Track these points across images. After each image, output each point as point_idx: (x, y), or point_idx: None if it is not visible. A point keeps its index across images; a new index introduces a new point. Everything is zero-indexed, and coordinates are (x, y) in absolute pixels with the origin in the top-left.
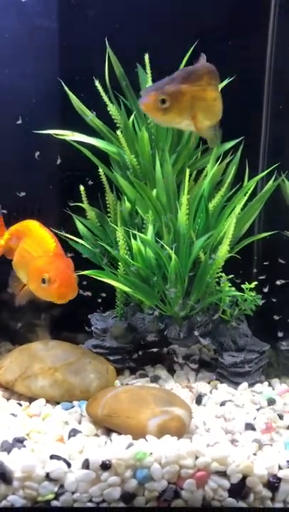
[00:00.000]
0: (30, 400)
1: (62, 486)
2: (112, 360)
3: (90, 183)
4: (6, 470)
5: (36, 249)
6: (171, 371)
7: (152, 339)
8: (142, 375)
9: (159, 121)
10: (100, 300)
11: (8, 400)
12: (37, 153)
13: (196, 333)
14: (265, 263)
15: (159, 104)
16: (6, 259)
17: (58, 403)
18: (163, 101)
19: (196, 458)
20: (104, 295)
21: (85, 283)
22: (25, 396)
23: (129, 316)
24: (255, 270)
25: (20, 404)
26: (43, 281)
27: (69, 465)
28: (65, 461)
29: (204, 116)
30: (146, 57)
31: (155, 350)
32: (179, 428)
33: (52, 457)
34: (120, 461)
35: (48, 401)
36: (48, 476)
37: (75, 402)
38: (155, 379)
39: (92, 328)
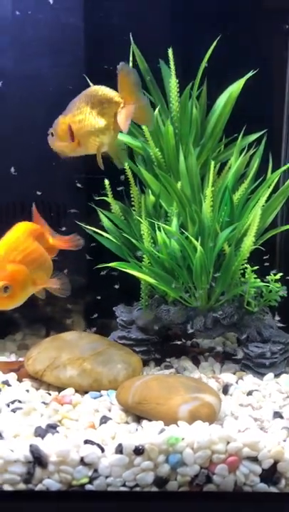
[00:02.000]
0: (59, 389)
1: (96, 471)
2: (138, 352)
3: (121, 178)
4: (42, 454)
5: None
6: (196, 362)
7: (177, 331)
8: (167, 366)
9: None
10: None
11: (37, 389)
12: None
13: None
14: None
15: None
16: None
17: (86, 392)
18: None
19: (228, 443)
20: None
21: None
22: (54, 386)
23: (154, 308)
24: (278, 262)
25: (50, 394)
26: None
27: (102, 450)
28: (98, 446)
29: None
30: (170, 51)
31: (179, 342)
32: (209, 414)
33: (86, 442)
34: (153, 446)
35: (76, 390)
36: (82, 461)
37: (103, 392)
38: (180, 370)
39: (118, 320)
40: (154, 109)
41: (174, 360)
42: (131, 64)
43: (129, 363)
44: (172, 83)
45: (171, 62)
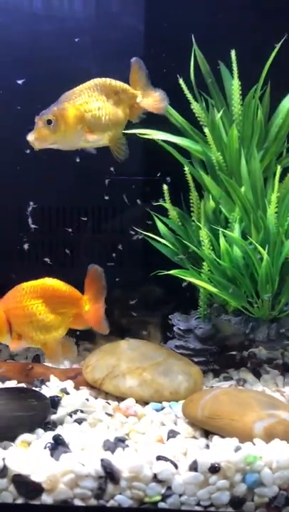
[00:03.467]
0: (118, 398)
1: (169, 488)
2: (196, 362)
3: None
4: (114, 469)
5: None
6: (256, 374)
7: (236, 341)
8: (227, 378)
9: (54, 142)
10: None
11: (96, 398)
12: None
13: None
14: None
15: (45, 125)
16: None
17: (146, 403)
18: (49, 121)
19: None
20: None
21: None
22: (112, 395)
23: (213, 318)
24: None
25: (109, 403)
26: None
27: (176, 466)
28: (172, 462)
29: (100, 129)
30: (233, 53)
31: (235, 353)
32: (286, 432)
33: (158, 458)
34: (230, 464)
35: (136, 401)
36: (155, 477)
37: (165, 403)
38: (241, 382)
39: (174, 329)
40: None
41: (233, 371)
42: (192, 66)
43: (189, 374)
44: (235, 85)
45: (234, 64)
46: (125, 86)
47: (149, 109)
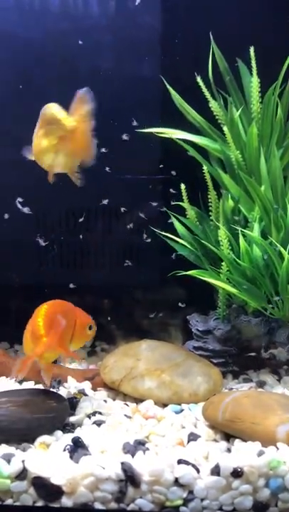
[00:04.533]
0: (136, 400)
1: (191, 492)
2: (215, 364)
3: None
4: (135, 473)
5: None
6: (276, 376)
7: (256, 343)
8: (246, 379)
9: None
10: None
11: (114, 399)
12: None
13: None
14: None
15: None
16: None
17: (165, 405)
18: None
19: None
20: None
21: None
22: (131, 396)
23: (232, 318)
24: None
25: (127, 405)
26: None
27: (198, 471)
28: (193, 466)
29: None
30: (252, 50)
31: (254, 354)
32: None
33: (180, 462)
34: (253, 468)
35: (154, 402)
36: (177, 481)
37: (184, 405)
38: (261, 384)
39: (193, 330)
40: (237, 110)
41: (252, 373)
42: (211, 63)
43: (209, 375)
44: (254, 83)
45: (253, 62)
46: (58, 116)
47: (76, 150)
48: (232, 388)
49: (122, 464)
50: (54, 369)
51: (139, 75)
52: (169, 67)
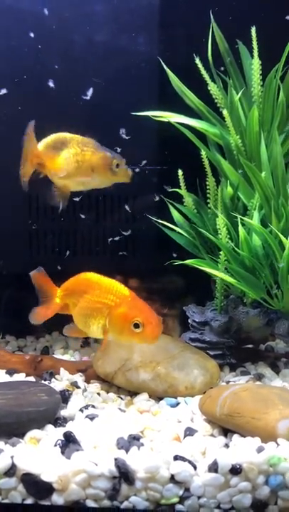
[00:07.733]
0: (130, 393)
1: (187, 490)
2: (212, 356)
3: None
4: (129, 470)
5: (110, 297)
6: (275, 369)
7: (255, 335)
8: (244, 372)
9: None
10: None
11: (107, 392)
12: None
13: None
14: None
15: None
16: None
17: (160, 398)
18: None
19: None
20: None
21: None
22: (125, 389)
23: (230, 310)
24: None
25: (122, 398)
26: (136, 326)
27: (195, 467)
28: (190, 462)
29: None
30: (253, 30)
31: (252, 346)
32: None
33: (176, 458)
34: (252, 465)
35: (149, 395)
36: (172, 478)
37: (180, 399)
38: (259, 377)
39: (189, 321)
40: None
41: (250, 365)
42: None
43: (206, 368)
44: (255, 65)
45: (254, 43)
46: (30, 144)
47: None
48: (229, 381)
49: (116, 460)
50: (46, 360)
51: (135, 55)
52: (167, 48)
